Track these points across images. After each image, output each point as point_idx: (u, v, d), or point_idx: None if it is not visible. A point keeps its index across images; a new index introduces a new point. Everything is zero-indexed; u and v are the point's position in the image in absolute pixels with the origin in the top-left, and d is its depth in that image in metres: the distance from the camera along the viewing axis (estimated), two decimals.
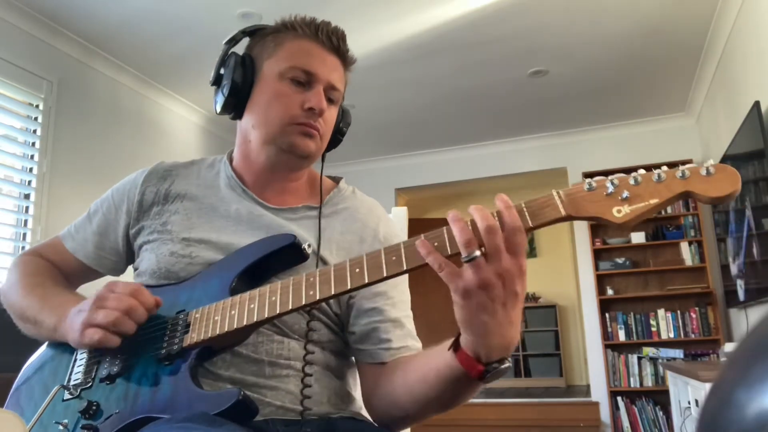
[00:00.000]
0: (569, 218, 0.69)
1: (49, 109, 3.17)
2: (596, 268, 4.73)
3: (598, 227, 4.81)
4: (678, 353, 4.39)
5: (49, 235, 3.03)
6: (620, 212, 0.67)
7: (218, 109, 0.99)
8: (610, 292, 4.71)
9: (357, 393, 1.00)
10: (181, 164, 1.07)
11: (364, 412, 0.97)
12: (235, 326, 0.80)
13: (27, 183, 3.08)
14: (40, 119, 3.13)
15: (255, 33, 1.02)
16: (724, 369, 0.30)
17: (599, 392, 4.68)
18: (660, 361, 4.40)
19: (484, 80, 4.02)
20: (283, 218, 0.98)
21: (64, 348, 0.92)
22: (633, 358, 4.54)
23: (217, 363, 0.86)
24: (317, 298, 0.77)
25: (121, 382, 0.83)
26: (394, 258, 0.73)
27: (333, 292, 0.76)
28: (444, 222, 0.70)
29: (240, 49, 1.03)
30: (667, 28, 3.40)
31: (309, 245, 0.90)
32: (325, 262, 0.93)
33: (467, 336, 0.71)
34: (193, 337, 0.83)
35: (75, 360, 0.91)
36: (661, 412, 4.33)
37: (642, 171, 0.69)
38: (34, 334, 0.96)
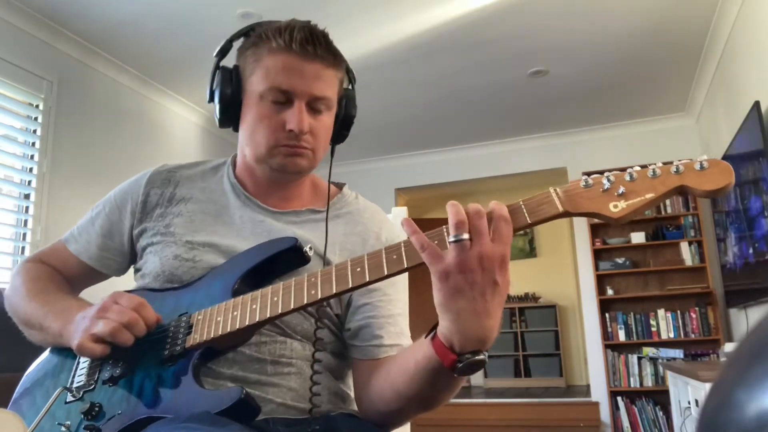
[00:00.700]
0: (567, 214, 0.70)
1: (49, 109, 3.17)
2: (596, 268, 4.73)
3: (598, 227, 4.82)
4: (678, 353, 4.39)
5: (49, 235, 3.03)
6: (617, 207, 0.68)
7: (218, 124, 1.01)
8: (610, 292, 4.71)
9: (354, 393, 1.01)
10: (184, 166, 1.08)
11: None
12: (237, 326, 0.81)
13: (27, 183, 3.08)
14: (40, 119, 3.13)
15: (243, 38, 1.01)
16: (724, 369, 0.30)
17: (599, 392, 4.68)
18: (660, 361, 4.40)
19: (484, 80, 4.02)
20: (287, 221, 0.99)
21: (66, 352, 0.92)
22: (633, 358, 4.54)
23: (219, 362, 0.86)
24: (319, 297, 0.78)
25: (123, 384, 0.84)
26: (395, 256, 0.74)
27: (335, 291, 0.77)
28: (444, 222, 0.71)
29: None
30: (667, 28, 3.40)
31: (310, 248, 0.90)
32: (329, 265, 0.93)
33: (443, 322, 0.71)
34: (195, 338, 0.83)
35: (78, 363, 0.91)
36: (661, 412, 4.33)
37: (637, 167, 0.70)
38: (39, 340, 0.96)
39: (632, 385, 4.51)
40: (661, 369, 4.39)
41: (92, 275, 1.06)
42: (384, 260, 0.74)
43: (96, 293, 0.94)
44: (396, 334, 0.93)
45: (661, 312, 4.53)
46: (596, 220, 4.96)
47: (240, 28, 1.02)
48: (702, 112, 4.38)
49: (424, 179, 5.49)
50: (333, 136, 1.02)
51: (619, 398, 4.53)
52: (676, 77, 4.07)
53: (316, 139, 0.95)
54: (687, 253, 4.54)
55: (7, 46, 2.95)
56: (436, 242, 0.71)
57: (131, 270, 1.07)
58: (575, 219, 5.06)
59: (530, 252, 7.25)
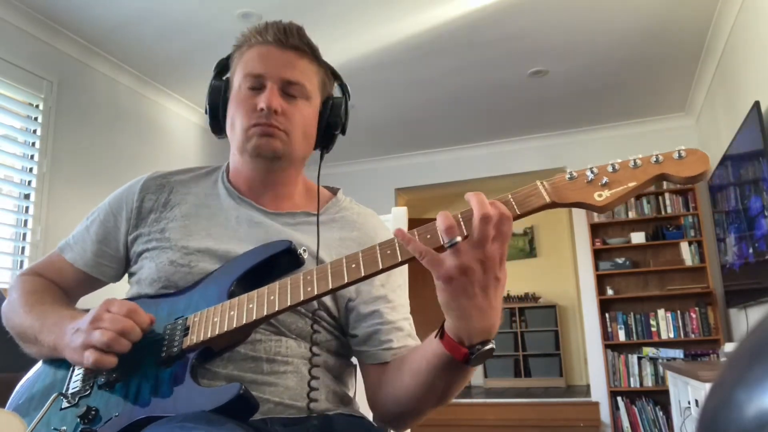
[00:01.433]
0: (553, 205, 0.73)
1: (49, 109, 3.17)
2: (596, 268, 4.73)
3: (598, 227, 4.82)
4: (678, 353, 4.39)
5: (49, 235, 3.03)
6: (601, 196, 0.71)
7: (212, 131, 1.05)
8: (610, 292, 4.71)
9: (352, 394, 1.02)
10: (178, 172, 1.09)
11: (362, 411, 0.98)
12: (234, 325, 0.81)
13: (27, 183, 3.08)
14: (40, 119, 3.13)
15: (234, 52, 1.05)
16: (724, 369, 0.30)
17: (599, 392, 4.68)
18: (660, 361, 4.40)
19: (484, 80, 4.02)
20: (282, 223, 0.99)
21: (59, 362, 0.92)
22: (633, 358, 4.54)
23: (215, 361, 0.86)
24: (315, 293, 0.78)
25: (120, 388, 0.83)
26: (389, 251, 0.76)
27: (330, 287, 0.78)
28: None
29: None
30: (667, 28, 3.40)
31: (304, 250, 0.91)
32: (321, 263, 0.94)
33: (450, 320, 0.74)
34: (192, 338, 0.83)
35: (73, 369, 0.91)
36: (661, 412, 4.33)
37: (619, 160, 0.74)
38: (35, 353, 0.96)
39: (632, 385, 4.51)
40: (661, 369, 4.39)
41: (89, 282, 1.06)
42: (378, 255, 0.76)
43: (96, 300, 0.94)
44: (403, 337, 0.96)
45: (661, 312, 4.53)
46: (596, 220, 4.96)
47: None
48: (702, 112, 4.38)
49: (424, 179, 5.49)
50: (319, 139, 1.04)
51: (619, 398, 4.53)
52: (676, 77, 4.07)
53: (290, 121, 0.97)
54: (687, 253, 4.54)
55: (7, 46, 2.95)
56: (429, 236, 0.73)
57: (126, 276, 1.07)
58: (575, 219, 5.06)
59: (530, 252, 7.25)
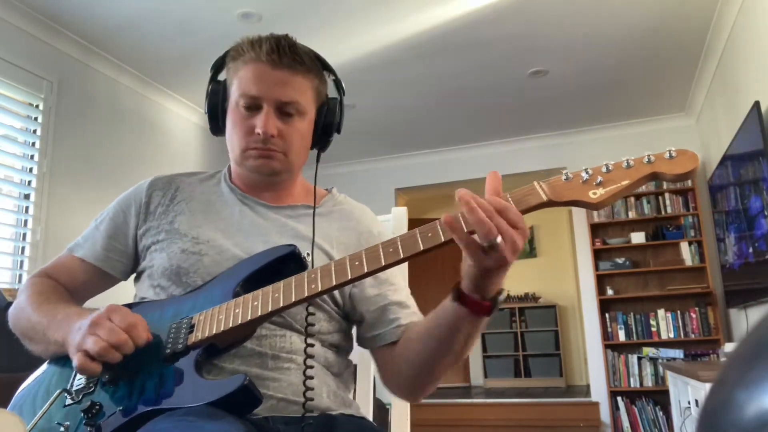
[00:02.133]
0: (550, 203, 0.76)
1: (49, 109, 3.17)
2: (596, 268, 4.73)
3: (598, 227, 4.82)
4: (678, 353, 4.39)
5: (49, 235, 3.03)
6: (596, 194, 0.75)
7: (211, 132, 1.09)
8: (610, 292, 4.71)
9: (353, 395, 1.05)
10: (182, 174, 1.13)
11: (363, 412, 1.00)
12: (240, 321, 0.83)
13: (27, 183, 3.08)
14: (40, 119, 3.13)
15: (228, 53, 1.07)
16: (724, 369, 0.30)
17: (599, 392, 4.68)
18: (660, 361, 4.40)
19: (484, 80, 4.02)
20: (284, 215, 1.04)
21: (63, 362, 0.93)
22: (633, 358, 4.54)
23: (221, 357, 0.88)
24: (319, 289, 0.80)
25: (124, 384, 0.84)
26: (391, 249, 0.78)
27: (334, 283, 0.80)
28: None
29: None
30: (667, 28, 3.40)
31: (308, 254, 0.94)
32: (324, 252, 0.99)
33: (471, 285, 0.79)
34: (197, 335, 0.84)
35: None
36: (661, 412, 4.33)
37: (612, 161, 0.77)
38: (42, 350, 0.96)
39: (632, 385, 4.51)
40: (661, 369, 4.39)
41: (99, 278, 1.06)
42: (381, 253, 0.79)
43: (105, 302, 0.94)
44: (409, 315, 1.00)
45: (661, 312, 4.53)
46: (596, 220, 4.95)
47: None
48: (702, 112, 4.38)
49: (424, 179, 5.49)
50: (315, 141, 1.07)
51: (619, 398, 4.53)
52: (676, 77, 4.07)
53: (287, 142, 1.00)
54: (687, 253, 4.54)
55: (7, 46, 2.95)
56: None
57: (133, 279, 1.08)
58: (575, 219, 5.06)
59: (530, 252, 7.25)
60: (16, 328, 0.99)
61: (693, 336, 4.40)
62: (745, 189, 3.17)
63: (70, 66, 3.33)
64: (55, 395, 0.86)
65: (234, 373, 0.87)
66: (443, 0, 3.07)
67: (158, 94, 3.99)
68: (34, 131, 3.13)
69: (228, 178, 1.10)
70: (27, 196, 3.05)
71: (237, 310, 0.84)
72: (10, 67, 2.95)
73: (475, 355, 6.95)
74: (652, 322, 4.55)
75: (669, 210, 4.65)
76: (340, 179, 4.32)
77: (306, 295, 0.81)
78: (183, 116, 4.28)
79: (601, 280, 4.75)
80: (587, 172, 0.76)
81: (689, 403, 3.04)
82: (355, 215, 1.09)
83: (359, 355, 1.12)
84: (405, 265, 1.12)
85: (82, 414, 0.82)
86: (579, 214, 4.99)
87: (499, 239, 0.72)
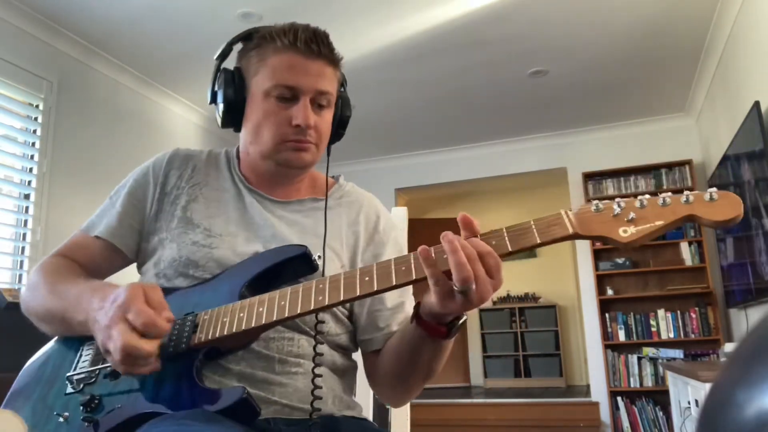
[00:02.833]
0: (576, 236, 0.72)
1: (49, 109, 3.17)
2: (596, 268, 4.73)
3: None
4: (678, 353, 4.39)
5: (49, 235, 3.03)
6: (626, 232, 0.69)
7: (220, 125, 1.03)
8: (610, 292, 4.71)
9: (355, 396, 1.03)
10: (197, 152, 1.09)
11: (364, 413, 0.99)
12: (243, 327, 0.81)
13: (27, 183, 3.08)
14: (40, 119, 3.13)
15: (243, 42, 1.02)
16: (724, 369, 0.30)
17: (599, 392, 4.68)
18: (660, 361, 4.40)
19: (484, 80, 4.02)
20: (292, 210, 1.02)
21: (70, 343, 0.93)
22: (633, 358, 4.54)
23: (228, 357, 0.87)
24: (326, 303, 0.79)
25: (125, 379, 0.84)
26: (403, 268, 0.76)
27: (342, 298, 0.78)
28: (444, 222, 0.73)
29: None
30: (667, 28, 3.40)
31: (319, 256, 0.92)
32: (334, 252, 0.98)
33: (429, 308, 0.78)
34: (200, 336, 0.83)
35: (80, 355, 0.91)
36: (661, 412, 4.33)
37: (647, 196, 0.72)
38: (61, 331, 0.93)
39: (632, 385, 4.51)
40: (661, 369, 4.39)
41: (116, 256, 1.02)
42: (393, 270, 0.76)
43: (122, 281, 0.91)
44: (403, 321, 0.98)
45: (661, 312, 4.53)
46: None
47: (240, 28, 1.04)
48: (702, 112, 4.38)
49: (424, 179, 5.49)
50: (332, 134, 1.05)
51: (619, 398, 4.53)
52: (676, 77, 4.07)
53: (319, 134, 0.99)
54: (687, 253, 4.54)
55: (7, 46, 2.95)
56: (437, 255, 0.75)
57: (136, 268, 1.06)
58: None
59: (530, 252, 7.25)
60: (29, 310, 0.95)
61: (693, 336, 4.40)
62: (745, 189, 3.17)
63: (70, 66, 3.33)
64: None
65: (240, 375, 0.86)
66: (443, 0, 3.07)
67: (158, 94, 3.99)
68: (34, 131, 3.13)
69: (237, 166, 1.06)
70: (27, 196, 3.05)
71: (242, 315, 0.82)
72: (10, 67, 2.95)
73: (475, 355, 6.95)
74: (652, 322, 4.55)
75: None
76: None
77: (312, 307, 0.79)
78: (183, 116, 4.28)
79: (601, 280, 4.75)
80: (619, 206, 0.71)
81: (689, 403, 3.04)
82: (363, 204, 1.07)
83: (360, 354, 1.12)
84: None
85: (82, 408, 0.82)
86: None
87: (473, 286, 0.70)
